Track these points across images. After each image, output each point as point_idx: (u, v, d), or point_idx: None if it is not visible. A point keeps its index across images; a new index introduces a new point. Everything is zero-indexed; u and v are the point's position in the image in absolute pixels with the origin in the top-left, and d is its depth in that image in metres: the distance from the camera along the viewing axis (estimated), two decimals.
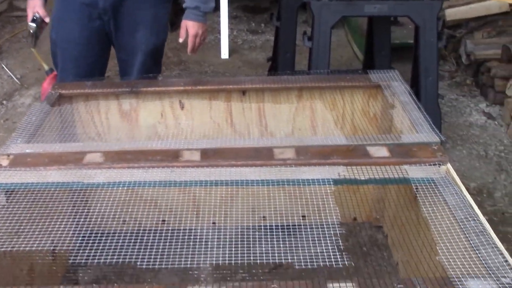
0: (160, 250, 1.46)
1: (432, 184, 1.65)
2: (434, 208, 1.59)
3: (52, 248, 1.77)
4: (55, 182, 1.67)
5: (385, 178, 1.66)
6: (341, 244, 1.47)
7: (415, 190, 1.70)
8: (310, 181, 1.64)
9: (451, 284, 1.25)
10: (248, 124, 2.28)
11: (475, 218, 1.48)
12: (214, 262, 1.47)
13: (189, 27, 2.44)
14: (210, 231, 1.67)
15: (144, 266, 1.43)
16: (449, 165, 1.70)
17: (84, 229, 1.61)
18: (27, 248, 1.47)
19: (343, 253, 1.44)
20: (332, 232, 1.53)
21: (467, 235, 1.43)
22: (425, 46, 2.85)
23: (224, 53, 4.43)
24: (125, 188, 1.66)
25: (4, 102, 3.84)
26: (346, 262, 1.40)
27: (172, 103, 2.25)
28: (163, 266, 1.41)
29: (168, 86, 2.25)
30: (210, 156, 1.74)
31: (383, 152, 1.74)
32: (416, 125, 1.89)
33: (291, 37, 3.31)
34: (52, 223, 1.56)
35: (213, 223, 1.72)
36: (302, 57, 4.00)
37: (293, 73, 2.77)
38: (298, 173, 1.67)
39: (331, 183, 1.64)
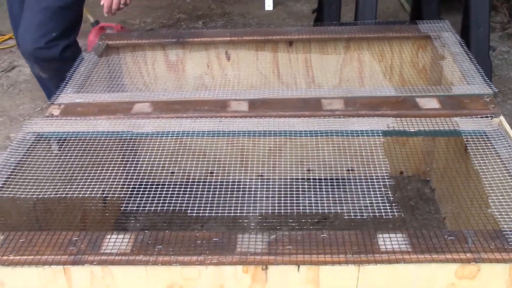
0: (208, 200, 1.48)
1: (484, 136, 1.61)
2: (486, 160, 1.55)
3: (103, 195, 1.81)
4: (105, 131, 1.69)
5: (435, 130, 1.63)
6: (390, 195, 1.46)
7: (465, 142, 1.67)
8: (359, 132, 1.62)
9: (504, 236, 1.23)
10: (295, 75, 2.26)
11: None
12: (263, 211, 1.48)
13: None
14: (258, 182, 1.68)
15: (193, 215, 1.45)
16: (502, 118, 1.66)
17: (134, 178, 1.63)
18: (80, 195, 1.50)
19: (392, 205, 1.43)
20: (381, 183, 1.52)
21: None
22: None
23: (269, 5, 4.36)
24: (174, 138, 1.67)
25: None
26: (395, 214, 1.39)
27: (218, 54, 2.24)
28: (212, 215, 1.43)
29: (214, 36, 2.23)
30: (258, 106, 1.73)
31: (433, 103, 1.71)
32: (467, 76, 1.84)
33: None
34: (103, 171, 1.58)
35: (260, 175, 1.72)
36: (348, 9, 3.93)
37: (340, 25, 2.71)
38: (347, 124, 1.65)
39: (380, 134, 1.61)
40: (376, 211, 1.41)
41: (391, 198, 1.44)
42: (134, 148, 1.90)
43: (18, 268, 1.24)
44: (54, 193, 1.50)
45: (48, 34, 2.29)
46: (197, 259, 1.20)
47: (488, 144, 1.59)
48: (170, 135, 1.68)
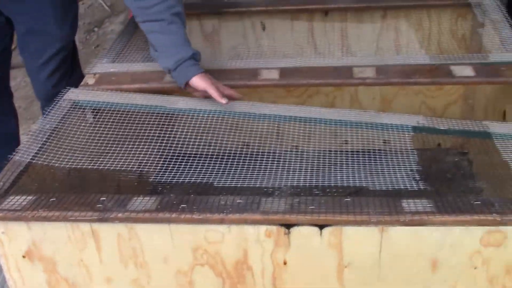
0: (242, 171, 1.49)
1: None
2: None
3: (139, 168, 1.84)
4: (139, 104, 1.71)
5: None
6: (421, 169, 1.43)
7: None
8: (389, 126, 1.59)
9: None
10: (330, 45, 2.24)
11: None
12: (294, 183, 1.47)
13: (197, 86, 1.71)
14: (293, 154, 1.66)
15: (227, 185, 1.46)
16: None
17: (167, 151, 1.65)
18: (114, 167, 1.53)
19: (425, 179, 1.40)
20: (411, 158, 1.50)
21: None
22: None
23: None
24: (206, 115, 1.68)
25: (96, 29, 3.96)
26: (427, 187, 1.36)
27: (253, 23, 2.24)
28: (244, 185, 1.44)
29: (249, 6, 2.23)
30: (288, 74, 1.72)
31: (468, 71, 1.67)
32: (506, 43, 1.79)
33: None
34: (138, 144, 1.61)
35: (295, 146, 1.71)
36: None
37: None
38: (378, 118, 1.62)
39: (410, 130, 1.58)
40: (407, 184, 1.39)
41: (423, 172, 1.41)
42: (167, 122, 1.92)
43: (50, 228, 1.28)
44: (88, 162, 1.53)
45: None
46: (219, 216, 1.21)
47: None
48: (202, 112, 1.68)
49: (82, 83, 1.82)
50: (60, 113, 1.68)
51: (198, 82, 1.67)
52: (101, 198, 1.29)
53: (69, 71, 2.15)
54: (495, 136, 1.55)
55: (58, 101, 1.74)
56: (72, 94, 1.77)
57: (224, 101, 1.62)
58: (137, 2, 1.70)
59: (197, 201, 1.26)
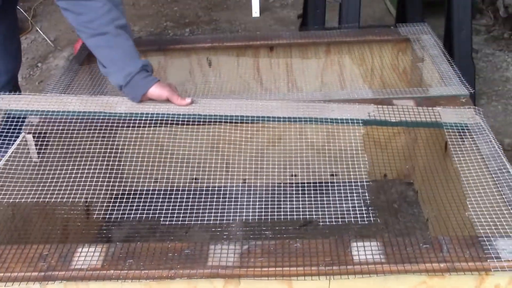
0: (191, 208, 1.48)
1: (466, 130, 1.60)
2: (466, 157, 1.53)
3: (85, 204, 1.80)
4: (76, 111, 1.68)
5: (417, 121, 1.62)
6: (370, 200, 1.45)
7: (447, 137, 1.64)
8: (339, 120, 1.62)
9: (479, 243, 1.20)
10: (276, 80, 2.27)
11: (510, 170, 1.41)
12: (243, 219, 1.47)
13: (160, 93, 1.71)
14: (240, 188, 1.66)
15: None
16: (477, 117, 1.67)
17: (114, 186, 1.63)
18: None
19: (374, 210, 1.42)
20: (360, 189, 1.51)
21: (500, 189, 1.37)
22: None
23: (255, 11, 4.38)
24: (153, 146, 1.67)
25: (39, 64, 3.89)
26: (377, 219, 1.38)
27: (199, 60, 2.25)
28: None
29: (196, 43, 2.25)
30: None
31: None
32: (444, 78, 1.86)
33: None
34: (83, 176, 1.57)
35: (244, 180, 1.72)
36: (334, 14, 3.93)
37: (323, 29, 2.73)
38: (327, 111, 1.65)
39: (360, 123, 1.61)
40: (358, 216, 1.40)
41: (369, 203, 1.43)
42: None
43: None
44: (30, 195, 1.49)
45: None
46: (168, 273, 1.18)
47: (469, 139, 1.57)
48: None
49: (25, 123, 1.78)
50: None
51: (156, 92, 1.65)
52: (44, 253, 1.24)
53: None
54: (446, 126, 1.60)
55: None
56: (3, 102, 1.71)
57: (188, 100, 1.65)
58: (80, 17, 1.67)
59: (144, 253, 1.23)
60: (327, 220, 1.44)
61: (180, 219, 1.44)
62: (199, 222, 1.43)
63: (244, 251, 1.22)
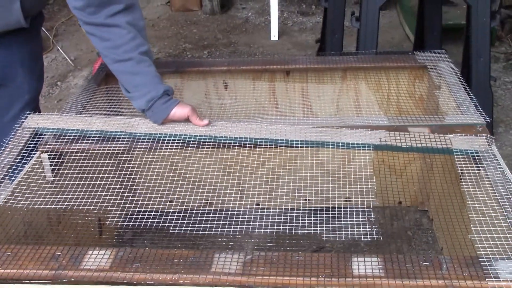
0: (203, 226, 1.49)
1: (476, 157, 1.61)
2: (474, 182, 1.54)
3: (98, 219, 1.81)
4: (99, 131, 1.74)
5: (427, 147, 1.64)
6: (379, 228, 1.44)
7: (458, 168, 1.65)
8: (350, 144, 1.65)
9: (479, 264, 1.21)
10: (292, 104, 2.27)
11: None
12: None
13: (181, 115, 1.76)
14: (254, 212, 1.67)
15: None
16: (494, 147, 1.65)
17: (127, 204, 1.64)
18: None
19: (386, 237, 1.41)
20: (372, 216, 1.51)
21: (505, 213, 1.38)
22: (477, 26, 2.76)
23: (274, 35, 4.41)
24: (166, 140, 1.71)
25: (59, 83, 3.94)
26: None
27: (216, 83, 2.27)
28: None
29: (212, 66, 2.26)
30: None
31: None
32: (461, 106, 1.84)
33: (339, 17, 3.26)
34: (98, 195, 1.59)
35: (257, 204, 1.72)
36: (352, 39, 3.95)
37: (340, 54, 2.73)
38: (339, 136, 1.68)
39: (371, 148, 1.63)
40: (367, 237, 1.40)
41: (378, 230, 1.42)
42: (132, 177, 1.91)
43: None
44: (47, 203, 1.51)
45: None
46: (172, 277, 1.22)
47: (479, 165, 1.58)
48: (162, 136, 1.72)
49: (40, 141, 1.80)
50: (19, 145, 1.69)
51: (177, 113, 1.72)
52: (56, 253, 1.29)
53: None
54: (456, 152, 1.62)
55: (18, 129, 1.74)
56: (32, 121, 1.77)
57: (205, 121, 1.72)
58: (105, 43, 1.71)
59: (151, 258, 1.27)
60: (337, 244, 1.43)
61: (191, 241, 1.44)
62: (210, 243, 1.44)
63: (247, 260, 1.26)
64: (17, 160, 1.67)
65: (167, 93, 1.74)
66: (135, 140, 1.74)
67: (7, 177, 1.63)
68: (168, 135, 1.72)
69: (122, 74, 1.75)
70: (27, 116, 1.81)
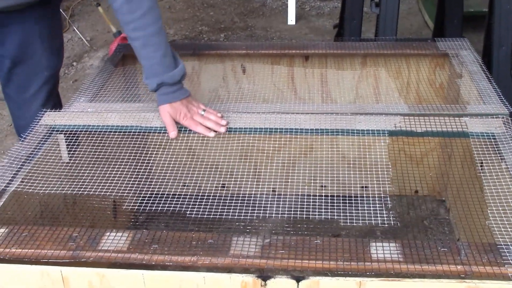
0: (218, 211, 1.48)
1: (492, 139, 1.59)
2: (491, 166, 1.52)
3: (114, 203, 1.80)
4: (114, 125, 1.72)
5: (442, 131, 1.63)
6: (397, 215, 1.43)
7: (473, 147, 1.63)
8: (365, 131, 1.64)
9: (498, 250, 1.20)
10: (310, 90, 2.25)
11: None
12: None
13: (163, 115, 1.72)
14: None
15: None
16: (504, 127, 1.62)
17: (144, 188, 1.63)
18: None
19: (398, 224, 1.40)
20: (389, 204, 1.50)
21: None
22: (500, 13, 2.70)
23: (291, 19, 4.37)
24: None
25: (74, 63, 3.94)
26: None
27: (234, 66, 2.24)
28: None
29: (230, 49, 2.23)
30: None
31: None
32: (483, 95, 1.81)
33: (358, 2, 3.21)
34: (113, 178, 1.58)
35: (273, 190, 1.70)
36: (371, 25, 3.91)
37: (359, 40, 2.70)
38: (354, 123, 1.67)
39: (386, 134, 1.63)
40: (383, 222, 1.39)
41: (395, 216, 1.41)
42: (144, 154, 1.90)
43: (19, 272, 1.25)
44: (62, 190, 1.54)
45: None
46: (191, 259, 1.22)
47: (495, 148, 1.56)
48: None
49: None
50: (36, 139, 1.69)
51: (169, 113, 1.69)
52: (73, 234, 1.29)
53: (57, 104, 2.09)
54: (472, 135, 1.61)
55: (35, 126, 1.74)
56: (48, 118, 1.77)
57: (212, 134, 1.69)
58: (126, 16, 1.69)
59: (169, 240, 1.27)
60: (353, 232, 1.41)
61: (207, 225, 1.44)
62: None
63: (265, 244, 1.25)
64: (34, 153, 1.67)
65: (180, 80, 1.70)
66: (151, 133, 1.74)
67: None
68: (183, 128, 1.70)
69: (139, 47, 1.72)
70: (44, 113, 1.81)
